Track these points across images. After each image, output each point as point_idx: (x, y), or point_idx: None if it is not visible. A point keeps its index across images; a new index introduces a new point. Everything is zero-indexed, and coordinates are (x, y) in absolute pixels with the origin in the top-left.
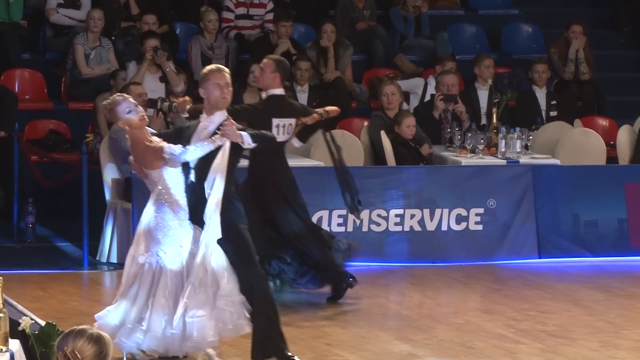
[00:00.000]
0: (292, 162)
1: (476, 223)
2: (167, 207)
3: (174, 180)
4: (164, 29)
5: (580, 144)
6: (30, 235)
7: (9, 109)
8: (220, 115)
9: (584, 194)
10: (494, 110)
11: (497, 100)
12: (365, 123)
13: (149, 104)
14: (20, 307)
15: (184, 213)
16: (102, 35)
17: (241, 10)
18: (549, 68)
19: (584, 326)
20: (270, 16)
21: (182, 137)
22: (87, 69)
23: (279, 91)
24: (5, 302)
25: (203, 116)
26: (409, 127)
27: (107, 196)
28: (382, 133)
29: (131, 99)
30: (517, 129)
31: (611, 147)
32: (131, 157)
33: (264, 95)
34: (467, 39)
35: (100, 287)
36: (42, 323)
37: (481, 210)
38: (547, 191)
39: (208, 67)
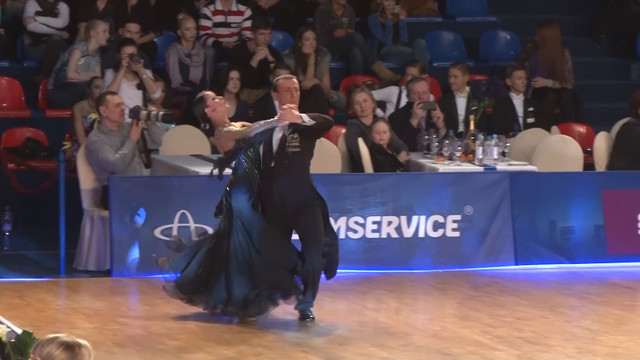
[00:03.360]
0: None
1: (453, 230)
2: None
3: None
4: (150, 37)
5: (557, 150)
6: (7, 243)
7: None
8: None
9: (561, 200)
10: (472, 117)
11: (474, 107)
12: (343, 130)
13: (132, 114)
14: None
15: None
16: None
17: (219, 18)
18: (526, 75)
19: (561, 332)
20: (248, 24)
21: None
22: (74, 73)
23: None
24: None
25: None
26: (378, 132)
27: (84, 204)
28: (360, 140)
29: None
30: (495, 136)
31: (588, 153)
32: None
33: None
34: (445, 46)
35: (77, 295)
36: (19, 331)
37: (458, 217)
38: (524, 198)
39: None
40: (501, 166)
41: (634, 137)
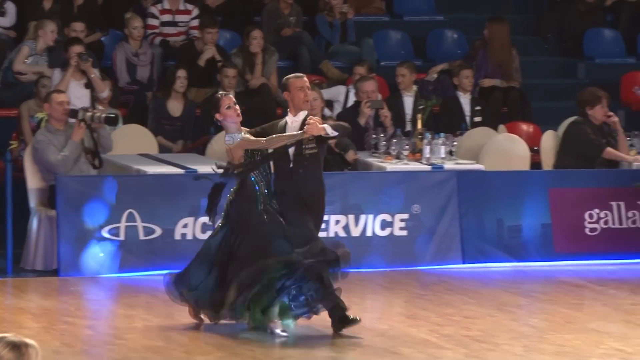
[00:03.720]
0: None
1: (401, 229)
2: None
3: None
4: (97, 36)
5: (504, 149)
6: None
7: None
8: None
9: (508, 199)
10: (419, 116)
11: (422, 106)
12: None
13: (71, 114)
14: None
15: None
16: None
17: (166, 17)
18: (473, 73)
19: (508, 331)
20: (195, 22)
21: None
22: (22, 65)
23: None
24: None
25: None
26: None
27: (32, 203)
28: None
29: None
30: (442, 134)
31: (535, 152)
32: None
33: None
34: (393, 45)
35: (25, 295)
36: None
37: (406, 216)
38: (472, 196)
39: None
40: (448, 165)
41: (581, 135)
